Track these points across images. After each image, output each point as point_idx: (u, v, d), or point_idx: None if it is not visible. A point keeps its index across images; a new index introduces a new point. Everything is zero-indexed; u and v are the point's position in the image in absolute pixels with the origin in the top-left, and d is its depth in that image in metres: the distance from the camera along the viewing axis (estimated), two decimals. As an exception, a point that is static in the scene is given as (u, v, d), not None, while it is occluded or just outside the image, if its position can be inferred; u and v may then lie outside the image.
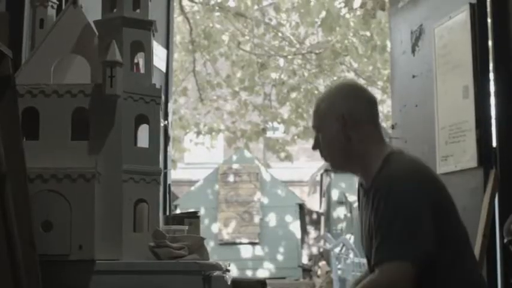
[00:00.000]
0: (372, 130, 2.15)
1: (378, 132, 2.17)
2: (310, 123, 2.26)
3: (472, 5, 3.42)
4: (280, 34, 10.48)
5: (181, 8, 9.55)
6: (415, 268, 1.92)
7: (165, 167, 3.96)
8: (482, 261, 3.13)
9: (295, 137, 11.29)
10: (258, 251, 12.43)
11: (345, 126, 2.11)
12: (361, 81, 11.16)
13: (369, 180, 2.10)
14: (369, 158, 2.10)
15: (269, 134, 12.47)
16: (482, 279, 2.17)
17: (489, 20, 3.43)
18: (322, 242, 8.03)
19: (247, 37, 10.41)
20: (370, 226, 2.05)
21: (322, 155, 2.22)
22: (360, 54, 9.20)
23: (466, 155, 3.41)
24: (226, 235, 12.43)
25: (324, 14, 8.44)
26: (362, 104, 2.16)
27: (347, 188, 11.93)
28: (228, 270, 2.05)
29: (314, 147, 2.22)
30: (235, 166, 12.74)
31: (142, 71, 2.11)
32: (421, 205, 1.97)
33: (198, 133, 11.61)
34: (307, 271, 12.56)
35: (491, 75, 3.38)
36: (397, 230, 1.94)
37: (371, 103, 2.20)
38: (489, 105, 3.36)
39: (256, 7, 10.00)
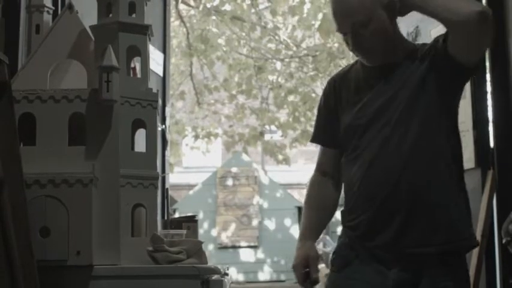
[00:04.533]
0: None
1: None
2: (344, 29, 2.05)
3: (467, 6, 3.41)
4: (276, 37, 10.48)
5: (178, 12, 9.56)
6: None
7: (163, 171, 3.95)
8: (481, 262, 3.14)
9: (294, 143, 11.30)
10: (258, 254, 12.41)
11: (394, 12, 2.00)
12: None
13: (398, 54, 2.04)
14: (402, 38, 2.11)
15: (267, 137, 12.46)
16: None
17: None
18: (321, 245, 8.03)
19: (243, 41, 10.41)
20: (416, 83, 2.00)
21: (363, 50, 2.04)
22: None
23: (464, 156, 3.40)
24: (225, 239, 12.42)
25: (320, 17, 8.43)
26: None
27: (346, 189, 11.90)
28: (227, 274, 2.05)
29: (357, 47, 2.03)
30: (233, 170, 12.73)
31: (139, 75, 2.11)
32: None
33: (196, 137, 11.60)
34: (306, 274, 12.51)
35: (488, 76, 3.38)
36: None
37: None
38: (486, 106, 3.36)
39: (252, 10, 10.00)
